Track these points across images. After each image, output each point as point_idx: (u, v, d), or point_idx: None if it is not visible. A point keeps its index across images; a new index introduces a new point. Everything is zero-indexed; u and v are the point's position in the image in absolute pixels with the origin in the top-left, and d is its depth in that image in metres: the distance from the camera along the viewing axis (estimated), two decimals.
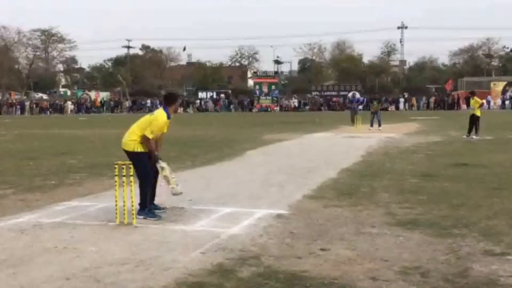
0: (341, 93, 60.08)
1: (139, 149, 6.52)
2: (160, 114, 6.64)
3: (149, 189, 6.60)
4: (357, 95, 56.50)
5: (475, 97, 18.95)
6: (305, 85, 68.09)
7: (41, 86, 76.11)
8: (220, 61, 78.75)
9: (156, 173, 6.68)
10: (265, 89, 61.22)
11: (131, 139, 6.56)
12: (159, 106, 61.13)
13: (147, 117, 6.70)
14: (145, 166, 6.53)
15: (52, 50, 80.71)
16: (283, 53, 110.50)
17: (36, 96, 71.31)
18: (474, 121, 18.20)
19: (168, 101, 6.85)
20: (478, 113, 18.25)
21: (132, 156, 6.54)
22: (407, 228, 5.81)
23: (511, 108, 53.31)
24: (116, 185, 6.31)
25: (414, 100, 57.33)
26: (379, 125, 23.58)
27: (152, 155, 6.54)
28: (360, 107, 29.90)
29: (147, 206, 6.54)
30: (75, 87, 79.12)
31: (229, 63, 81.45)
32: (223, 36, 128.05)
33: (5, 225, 6.24)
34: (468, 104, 53.83)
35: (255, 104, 60.32)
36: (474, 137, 17.84)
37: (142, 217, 6.38)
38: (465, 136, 18.03)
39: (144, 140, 6.47)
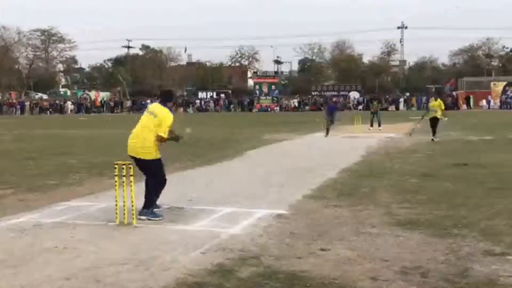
0: (341, 93, 60.10)
1: (159, 155, 6.57)
2: (167, 114, 6.57)
3: (160, 193, 6.64)
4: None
5: (439, 100, 17.82)
6: (305, 85, 68.09)
7: (41, 86, 76.08)
8: (220, 61, 78.83)
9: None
10: (265, 89, 61.23)
11: (149, 147, 6.46)
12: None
13: (152, 120, 6.51)
14: (163, 171, 6.64)
15: (52, 50, 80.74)
16: (283, 53, 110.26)
17: (37, 96, 71.33)
18: (434, 122, 17.21)
19: (168, 99, 6.84)
20: (438, 115, 17.23)
21: (153, 164, 6.50)
22: (407, 228, 5.81)
23: (511, 108, 53.32)
24: (116, 185, 6.31)
25: (414, 100, 57.33)
26: (379, 125, 23.57)
27: (176, 139, 6.75)
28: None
29: (150, 208, 6.53)
30: (75, 87, 79.12)
31: (229, 63, 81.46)
32: (223, 36, 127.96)
33: (5, 225, 6.24)
34: (468, 104, 54.02)
35: (255, 104, 60.34)
36: (433, 139, 16.88)
37: (145, 218, 6.36)
38: (435, 139, 16.89)
39: (161, 139, 6.48)
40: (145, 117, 6.67)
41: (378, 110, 24.55)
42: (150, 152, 6.49)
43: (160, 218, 6.39)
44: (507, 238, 5.34)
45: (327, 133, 20.34)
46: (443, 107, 17.64)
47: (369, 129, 22.71)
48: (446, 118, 18.09)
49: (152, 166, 6.54)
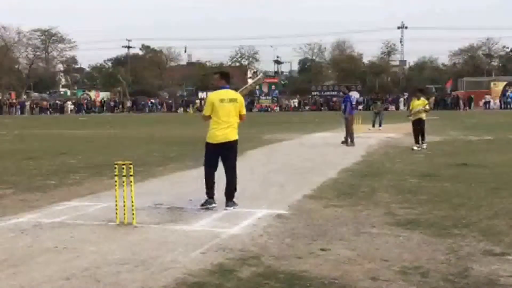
0: (341, 93, 59.98)
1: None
2: (234, 92, 7.15)
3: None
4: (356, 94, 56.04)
5: (421, 98, 15.09)
6: (305, 85, 68.11)
7: (41, 86, 76.09)
8: (220, 61, 78.85)
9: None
10: (265, 89, 61.26)
11: (236, 128, 7.06)
12: (159, 106, 61.06)
13: (237, 105, 6.97)
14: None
15: (52, 50, 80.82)
16: (283, 53, 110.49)
17: (36, 95, 71.36)
18: (420, 126, 14.75)
19: (227, 80, 7.23)
20: (423, 117, 14.83)
21: (235, 144, 7.07)
22: (407, 228, 5.81)
23: (511, 108, 53.32)
24: (116, 185, 6.30)
25: None
26: (380, 125, 23.57)
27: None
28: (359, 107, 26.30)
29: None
30: (75, 87, 79.15)
31: (229, 63, 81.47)
32: (223, 36, 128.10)
33: (5, 225, 6.23)
34: (469, 105, 53.91)
35: (255, 104, 60.35)
36: (423, 146, 14.56)
37: (235, 206, 6.89)
38: (415, 148, 14.45)
39: (244, 117, 7.17)
40: (230, 107, 6.95)
41: (381, 110, 24.57)
42: (236, 132, 7.10)
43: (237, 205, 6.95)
44: (507, 238, 5.34)
45: (346, 142, 16.03)
46: (427, 107, 15.08)
47: (369, 129, 22.67)
48: (428, 105, 15.18)
49: (235, 145, 7.12)
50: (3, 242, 5.46)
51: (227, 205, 6.90)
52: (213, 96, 7.02)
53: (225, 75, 7.27)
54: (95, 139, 20.07)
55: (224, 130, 6.91)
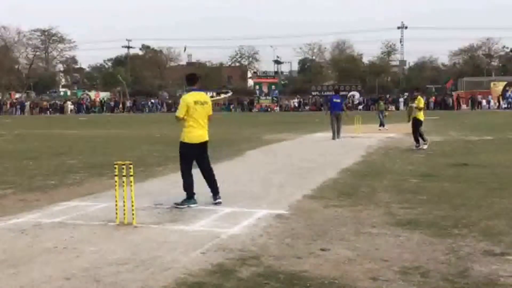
0: (341, 93, 59.91)
1: None
2: (205, 95, 7.53)
3: None
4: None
5: (418, 97, 14.87)
6: (305, 85, 68.14)
7: (41, 86, 76.08)
8: (220, 61, 78.90)
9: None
10: (265, 89, 61.29)
11: (207, 129, 7.30)
12: (159, 106, 61.09)
13: (207, 108, 7.25)
14: None
15: (52, 50, 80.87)
16: (283, 53, 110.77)
17: (35, 96, 71.42)
18: (417, 126, 14.58)
19: (194, 82, 7.43)
20: (420, 117, 14.56)
21: (207, 144, 7.34)
22: (407, 228, 5.81)
23: (510, 108, 53.33)
24: (116, 185, 6.30)
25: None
26: (380, 125, 23.58)
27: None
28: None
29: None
30: (75, 87, 79.17)
31: (229, 63, 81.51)
32: (223, 36, 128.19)
33: (5, 225, 6.23)
34: (473, 104, 53.91)
35: (255, 104, 60.36)
36: (424, 147, 14.42)
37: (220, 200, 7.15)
38: (415, 148, 14.46)
39: (211, 118, 7.41)
40: (201, 109, 7.17)
41: (384, 110, 24.70)
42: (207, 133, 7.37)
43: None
44: (507, 238, 5.34)
45: (334, 135, 18.44)
46: (420, 106, 14.64)
47: (379, 129, 22.78)
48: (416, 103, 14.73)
49: (206, 146, 7.37)
50: (3, 242, 5.46)
51: (216, 198, 7.21)
52: (188, 98, 7.16)
53: (190, 78, 7.52)
54: (95, 139, 20.06)
55: (200, 130, 7.17)
